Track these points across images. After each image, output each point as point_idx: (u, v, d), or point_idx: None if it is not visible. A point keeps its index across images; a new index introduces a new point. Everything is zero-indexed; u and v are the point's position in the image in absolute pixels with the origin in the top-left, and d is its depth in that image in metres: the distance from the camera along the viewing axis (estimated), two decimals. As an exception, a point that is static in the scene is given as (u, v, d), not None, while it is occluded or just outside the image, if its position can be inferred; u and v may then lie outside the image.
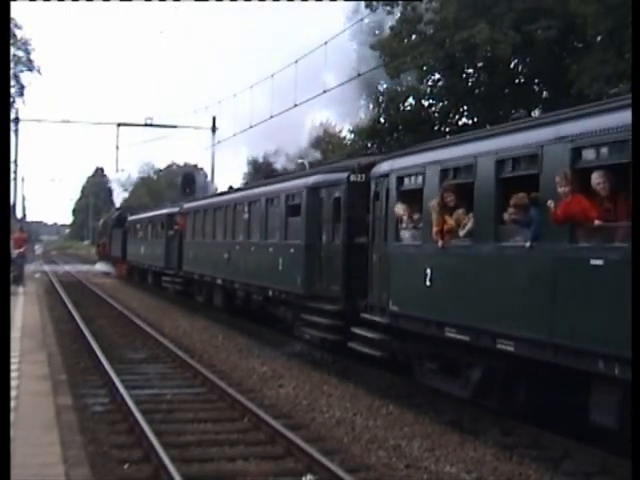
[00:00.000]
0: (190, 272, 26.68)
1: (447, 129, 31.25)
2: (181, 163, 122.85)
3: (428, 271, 11.15)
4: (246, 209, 20.63)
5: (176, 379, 14.24)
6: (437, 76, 31.34)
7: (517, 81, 30.64)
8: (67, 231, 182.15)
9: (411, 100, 32.13)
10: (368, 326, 13.03)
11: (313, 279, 15.67)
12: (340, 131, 39.25)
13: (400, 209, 12.23)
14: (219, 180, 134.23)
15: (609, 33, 24.53)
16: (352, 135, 35.87)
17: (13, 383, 11.09)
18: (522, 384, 10.05)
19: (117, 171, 47.60)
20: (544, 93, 30.64)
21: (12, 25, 42.57)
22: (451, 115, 32.25)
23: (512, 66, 30.25)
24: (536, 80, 30.29)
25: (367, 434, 10.30)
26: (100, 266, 54.84)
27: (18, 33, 46.80)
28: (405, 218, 12.19)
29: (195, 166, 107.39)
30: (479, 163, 10.19)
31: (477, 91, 31.08)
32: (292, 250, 16.67)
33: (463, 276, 10.45)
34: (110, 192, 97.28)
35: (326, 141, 37.24)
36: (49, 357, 14.64)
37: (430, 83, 31.66)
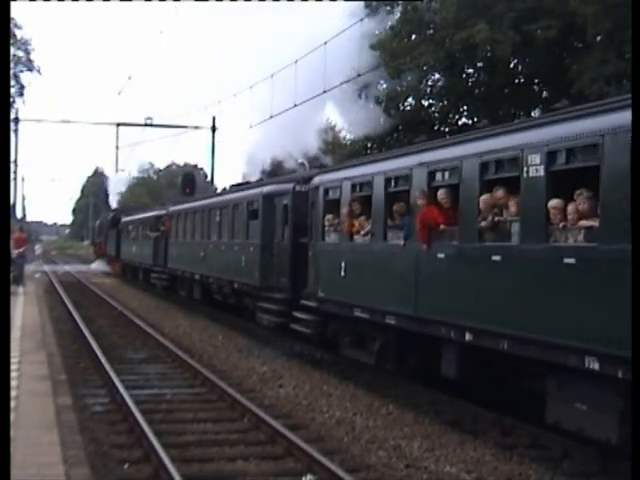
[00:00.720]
0: (174, 269, 29.58)
1: (447, 129, 31.23)
2: (181, 163, 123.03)
3: (343, 264, 14.13)
4: (218, 213, 23.72)
5: (176, 379, 14.25)
6: (437, 76, 31.32)
7: (517, 81, 30.61)
8: (67, 231, 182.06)
9: (411, 100, 32.11)
10: (306, 310, 15.73)
11: (267, 273, 18.53)
12: (340, 131, 39.23)
13: (325, 215, 15.10)
14: (219, 180, 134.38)
15: (609, 33, 24.52)
16: (352, 135, 35.85)
17: (13, 383, 11.09)
18: (408, 351, 12.70)
19: (117, 171, 47.44)
20: (544, 93, 30.62)
21: (12, 25, 42.56)
22: (451, 115, 32.24)
23: (512, 66, 30.22)
24: (536, 80, 30.27)
25: (367, 434, 10.30)
26: (96, 265, 56.31)
27: (18, 33, 46.77)
28: (328, 222, 14.98)
29: (195, 166, 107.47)
30: (375, 180, 13.17)
31: (477, 91, 31.05)
32: (251, 248, 19.65)
33: (364, 268, 13.44)
34: (106, 194, 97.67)
35: (327, 141, 37.26)
36: (49, 357, 14.64)
37: (430, 83, 31.64)
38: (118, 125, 41.24)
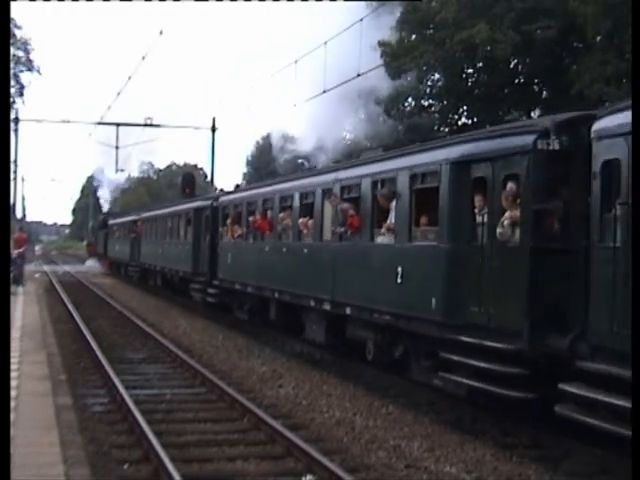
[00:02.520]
0: (144, 263, 36.87)
1: (447, 129, 31.24)
2: (181, 163, 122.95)
3: (229, 255, 21.79)
4: (170, 220, 31.63)
5: (176, 379, 14.24)
6: (437, 76, 31.32)
7: (517, 81, 30.63)
8: (67, 231, 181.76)
9: (411, 100, 32.11)
10: (215, 287, 23.19)
11: (197, 263, 25.52)
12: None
13: (226, 224, 22.27)
14: (219, 180, 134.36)
15: (609, 33, 24.53)
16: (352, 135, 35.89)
17: (13, 383, 11.08)
18: (262, 308, 19.31)
19: (117, 171, 47.25)
20: (544, 93, 30.64)
21: (12, 25, 42.51)
22: (451, 115, 32.24)
23: (512, 66, 30.24)
24: (536, 80, 30.28)
25: (367, 434, 10.29)
26: (90, 263, 61.74)
27: (18, 33, 46.73)
28: (224, 228, 22.51)
29: (195, 166, 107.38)
30: (244, 203, 21.06)
31: (477, 91, 31.06)
32: (187, 246, 26.94)
33: (238, 257, 21.03)
34: (97, 197, 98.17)
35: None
36: (49, 357, 14.64)
37: (430, 83, 31.64)
38: (118, 125, 41.02)
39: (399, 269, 11.88)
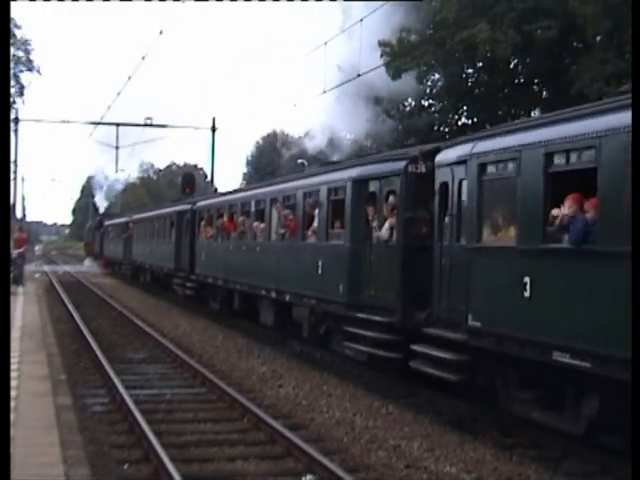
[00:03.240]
0: (136, 261, 39.94)
1: (447, 129, 31.23)
2: (181, 163, 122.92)
3: (204, 253, 24.98)
4: (156, 221, 34.92)
5: (176, 379, 14.24)
6: (437, 76, 31.29)
7: (517, 81, 30.60)
8: (67, 231, 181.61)
9: (411, 100, 32.08)
10: (193, 282, 26.40)
11: (178, 261, 28.53)
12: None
13: (201, 225, 25.80)
14: (219, 180, 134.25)
15: (609, 33, 24.51)
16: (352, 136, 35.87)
17: (13, 383, 11.08)
18: (231, 299, 22.35)
19: (117, 171, 47.31)
20: (544, 93, 30.60)
21: (12, 25, 42.48)
22: (451, 115, 32.20)
23: (512, 66, 30.21)
24: (536, 80, 30.26)
25: (367, 434, 10.29)
26: (87, 262, 64.33)
27: (18, 33, 46.69)
28: (199, 229, 25.87)
29: (195, 166, 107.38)
30: (214, 209, 24.58)
31: (477, 91, 31.03)
32: (170, 246, 30.08)
33: (211, 255, 24.09)
34: (93, 198, 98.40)
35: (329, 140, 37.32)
36: (49, 357, 14.64)
37: (430, 83, 31.60)
38: (118, 125, 41.01)
39: (320, 263, 15.14)
